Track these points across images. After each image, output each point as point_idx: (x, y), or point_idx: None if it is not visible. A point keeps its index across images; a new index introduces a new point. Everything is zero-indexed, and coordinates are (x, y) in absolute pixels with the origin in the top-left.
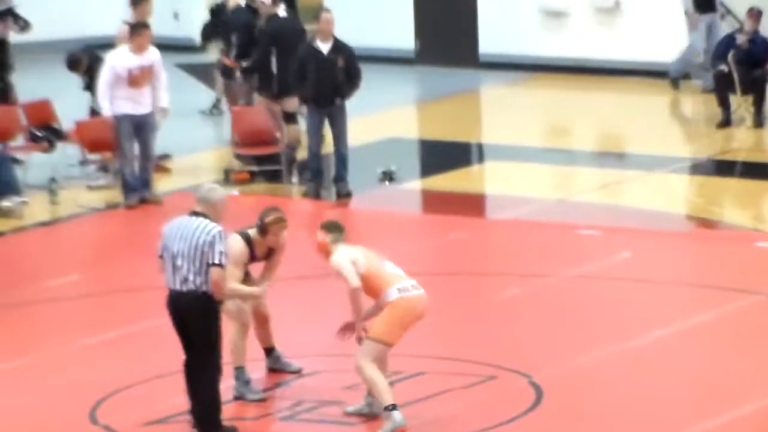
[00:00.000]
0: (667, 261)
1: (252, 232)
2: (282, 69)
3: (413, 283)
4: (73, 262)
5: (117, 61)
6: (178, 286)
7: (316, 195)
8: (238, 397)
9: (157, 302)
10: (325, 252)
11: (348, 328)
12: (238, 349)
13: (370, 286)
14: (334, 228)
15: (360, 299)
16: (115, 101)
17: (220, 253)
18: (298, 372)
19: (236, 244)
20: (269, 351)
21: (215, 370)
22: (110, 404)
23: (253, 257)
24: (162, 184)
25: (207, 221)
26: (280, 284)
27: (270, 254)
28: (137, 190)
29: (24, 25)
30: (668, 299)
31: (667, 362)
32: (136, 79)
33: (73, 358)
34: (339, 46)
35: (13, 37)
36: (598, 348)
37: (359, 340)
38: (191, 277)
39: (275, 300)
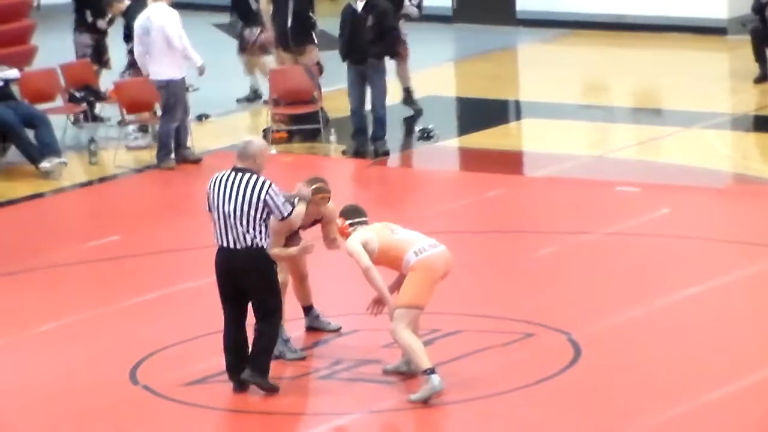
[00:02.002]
0: (705, 217)
1: (296, 201)
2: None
3: (431, 242)
4: (113, 223)
5: (139, 22)
6: (231, 245)
7: (354, 153)
8: (278, 356)
9: (197, 263)
10: (346, 236)
11: (378, 302)
12: None
13: (389, 259)
14: (353, 213)
15: (374, 277)
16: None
17: (283, 204)
18: (336, 331)
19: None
20: (307, 309)
21: (279, 318)
22: (150, 364)
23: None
24: (200, 144)
25: (254, 176)
26: (321, 243)
27: (316, 223)
28: (172, 151)
29: None
30: (706, 255)
31: (705, 319)
32: None
33: (113, 319)
34: (372, 4)
35: None
36: (636, 305)
37: (391, 315)
38: (245, 236)
39: (315, 259)
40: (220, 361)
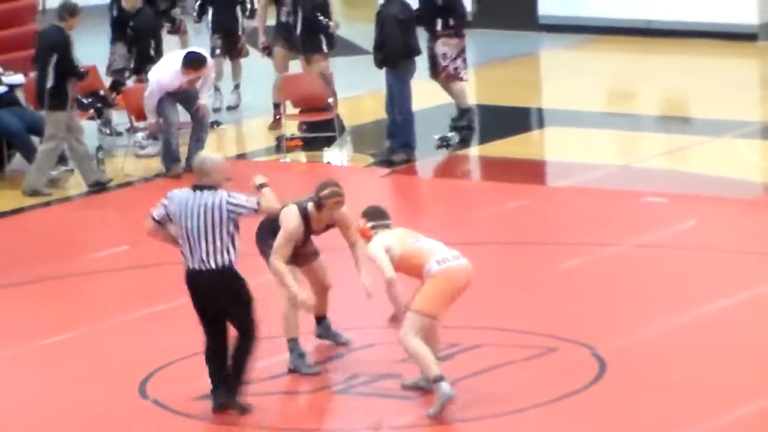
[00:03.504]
0: (734, 229)
1: (310, 205)
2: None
3: (454, 253)
4: (122, 233)
5: (166, 79)
6: (197, 266)
7: (381, 161)
8: (293, 370)
9: None
10: (368, 238)
11: (394, 319)
12: (289, 321)
13: (410, 266)
14: (376, 214)
15: (395, 290)
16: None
17: (247, 200)
18: (347, 344)
19: (292, 220)
20: (320, 319)
21: (254, 339)
22: (160, 378)
23: (309, 232)
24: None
25: (212, 193)
26: (338, 253)
27: (329, 228)
28: (179, 159)
29: None
30: (735, 268)
31: (732, 333)
32: (183, 89)
33: (122, 331)
34: (379, 10)
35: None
36: (663, 319)
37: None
38: (211, 255)
39: (331, 269)
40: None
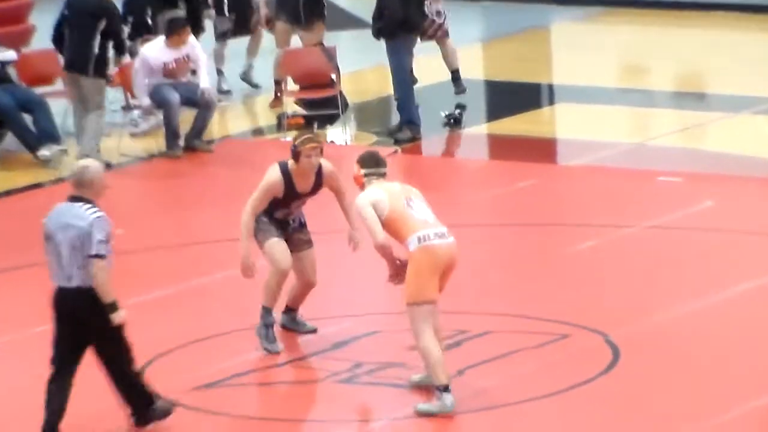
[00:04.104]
0: (753, 210)
1: (290, 162)
2: None
3: (439, 231)
4: (117, 216)
5: (151, 54)
6: (64, 283)
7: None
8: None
9: (206, 258)
10: (360, 186)
11: (394, 276)
12: (269, 289)
13: (393, 230)
14: (371, 161)
15: (386, 252)
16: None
17: (99, 242)
18: (314, 331)
19: (271, 173)
20: (289, 310)
21: (127, 353)
22: (157, 367)
23: (293, 190)
24: (216, 129)
25: (85, 206)
26: (340, 237)
27: (317, 190)
28: (179, 137)
29: None
30: (753, 251)
31: (752, 319)
32: (172, 71)
33: None
34: None
35: None
36: (679, 304)
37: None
38: (76, 273)
39: (332, 255)
40: (232, 364)
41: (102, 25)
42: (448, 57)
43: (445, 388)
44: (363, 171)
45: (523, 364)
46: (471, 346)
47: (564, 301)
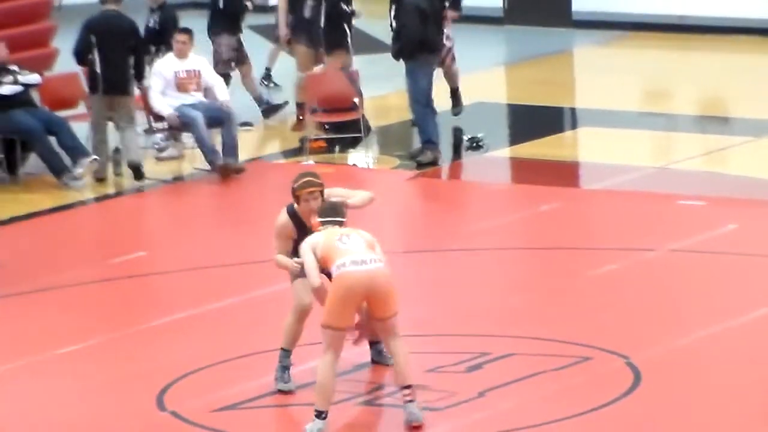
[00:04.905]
0: None
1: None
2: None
3: (357, 258)
4: (139, 239)
5: (162, 67)
6: None
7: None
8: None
9: (228, 281)
10: None
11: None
12: (289, 330)
13: (324, 265)
14: (326, 211)
15: (320, 296)
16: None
17: None
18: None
19: (280, 218)
20: (373, 343)
21: None
22: (178, 389)
23: (306, 228)
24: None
25: None
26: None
27: None
28: (217, 151)
29: None
30: None
31: None
32: (183, 83)
33: (139, 341)
34: None
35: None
36: (701, 327)
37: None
38: None
39: None
40: (252, 386)
41: (132, 43)
42: (450, 77)
43: (319, 415)
44: (320, 219)
45: (545, 387)
46: (493, 368)
47: (586, 323)
